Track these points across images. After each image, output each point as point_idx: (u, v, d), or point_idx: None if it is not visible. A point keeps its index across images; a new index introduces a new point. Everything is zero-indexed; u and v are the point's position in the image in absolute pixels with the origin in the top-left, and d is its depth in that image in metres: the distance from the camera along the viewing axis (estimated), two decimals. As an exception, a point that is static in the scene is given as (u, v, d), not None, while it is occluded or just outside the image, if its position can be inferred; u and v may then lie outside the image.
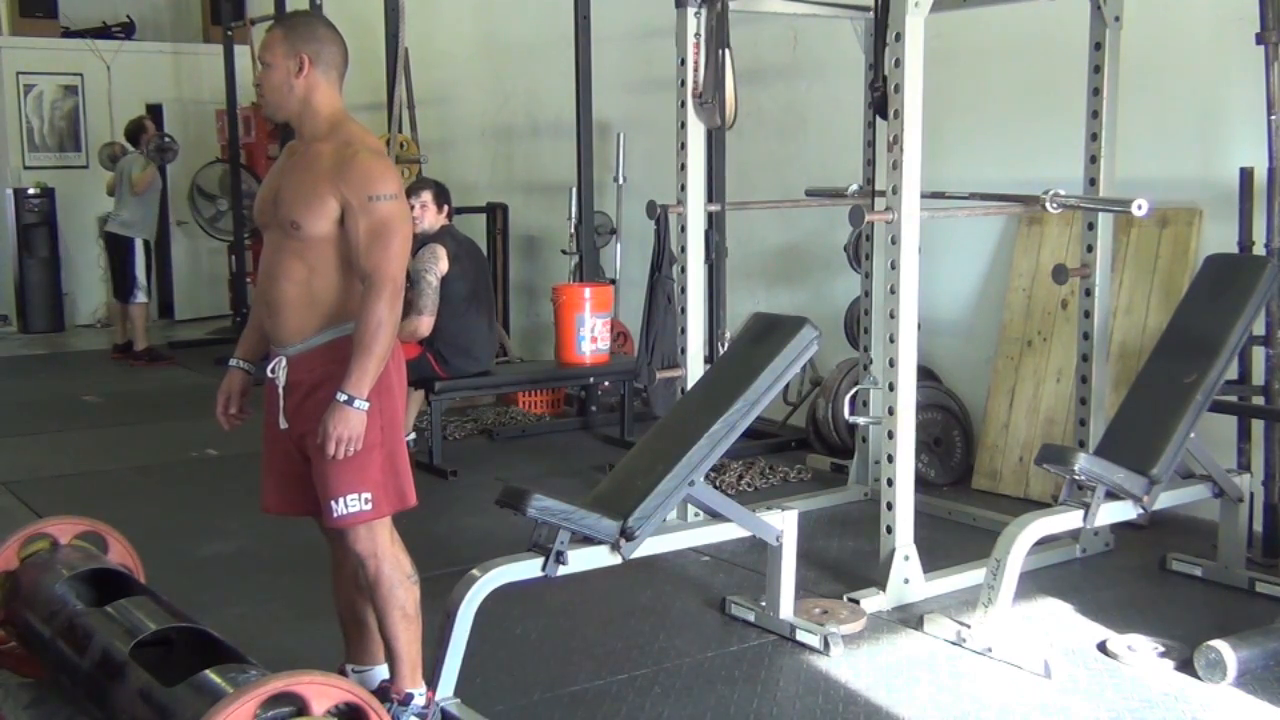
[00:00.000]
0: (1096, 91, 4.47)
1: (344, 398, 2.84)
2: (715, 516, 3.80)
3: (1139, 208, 4.10)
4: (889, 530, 4.10)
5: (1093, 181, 4.50)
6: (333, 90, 3.07)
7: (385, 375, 2.94)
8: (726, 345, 4.52)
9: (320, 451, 2.90)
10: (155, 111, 11.79)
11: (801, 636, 3.76)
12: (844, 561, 4.55)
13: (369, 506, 2.96)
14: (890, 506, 4.10)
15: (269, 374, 3.02)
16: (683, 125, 4.72)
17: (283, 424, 3.01)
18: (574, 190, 7.22)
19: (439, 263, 5.86)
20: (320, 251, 2.93)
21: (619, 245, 7.72)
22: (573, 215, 7.38)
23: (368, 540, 3.00)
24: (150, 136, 9.37)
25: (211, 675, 2.51)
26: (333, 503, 2.94)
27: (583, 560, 3.48)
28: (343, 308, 2.95)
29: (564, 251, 7.72)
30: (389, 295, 2.87)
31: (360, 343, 2.87)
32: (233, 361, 3.21)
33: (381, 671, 3.25)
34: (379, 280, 2.87)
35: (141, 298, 9.34)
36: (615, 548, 3.51)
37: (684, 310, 4.81)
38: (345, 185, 2.88)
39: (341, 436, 2.85)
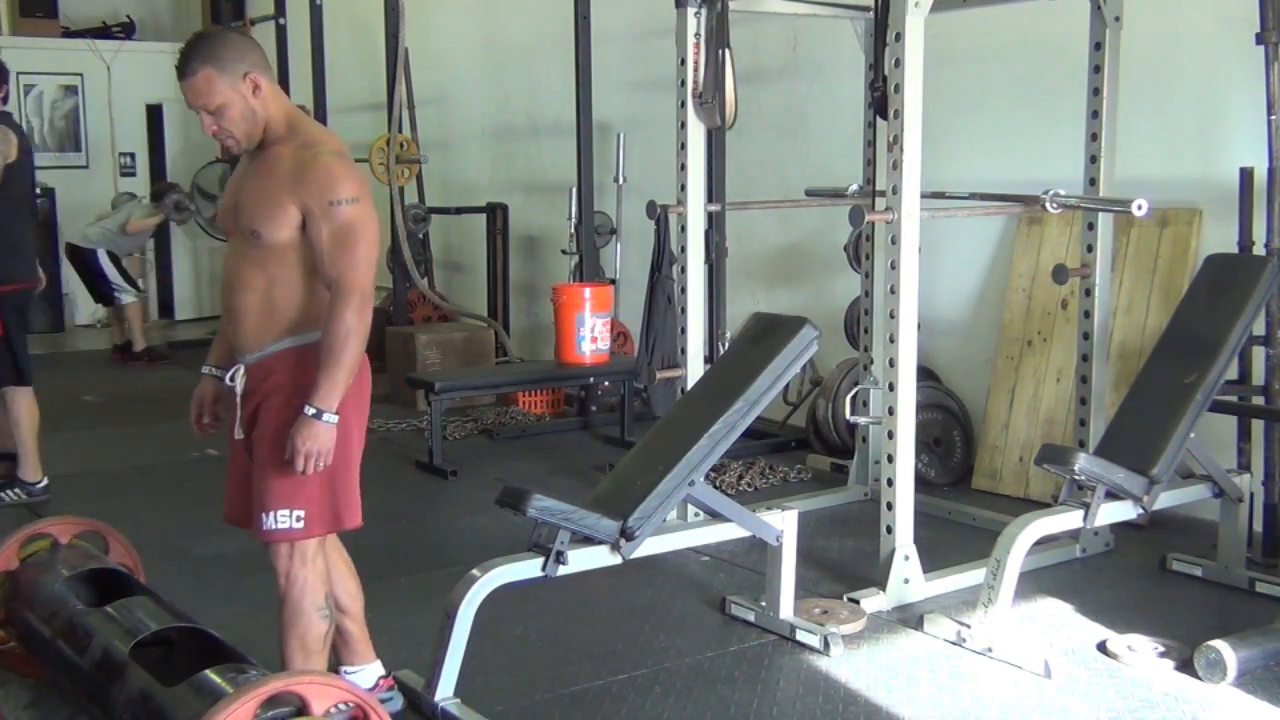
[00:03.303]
0: (1096, 91, 4.47)
1: (312, 411, 2.75)
2: (715, 516, 3.80)
3: (1139, 208, 4.10)
4: (889, 530, 4.10)
5: (1093, 181, 4.50)
6: (277, 90, 2.92)
7: None
8: (726, 345, 4.52)
9: (262, 462, 2.82)
10: (155, 111, 11.82)
11: (801, 636, 3.76)
12: (844, 561, 4.55)
13: (299, 525, 2.87)
14: (890, 506, 4.10)
15: (228, 382, 2.96)
16: (683, 125, 4.72)
17: (238, 433, 2.95)
18: (574, 190, 7.22)
19: (8, 145, 5.19)
20: (282, 260, 2.84)
21: (619, 245, 7.72)
22: (573, 215, 7.38)
23: (287, 558, 2.91)
24: (176, 195, 9.65)
25: (211, 675, 2.51)
26: (263, 515, 2.85)
27: (583, 560, 3.48)
28: (303, 317, 2.86)
29: (564, 251, 7.72)
30: (357, 303, 2.78)
31: (328, 353, 2.77)
32: (205, 368, 3.15)
33: (376, 668, 3.24)
34: (345, 287, 2.78)
35: (127, 298, 9.37)
36: (615, 548, 3.51)
37: (684, 310, 4.81)
38: (304, 191, 2.79)
39: (310, 452, 2.76)
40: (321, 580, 2.97)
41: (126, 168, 11.82)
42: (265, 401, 2.89)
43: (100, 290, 9.44)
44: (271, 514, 2.86)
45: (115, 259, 9.31)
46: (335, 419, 2.78)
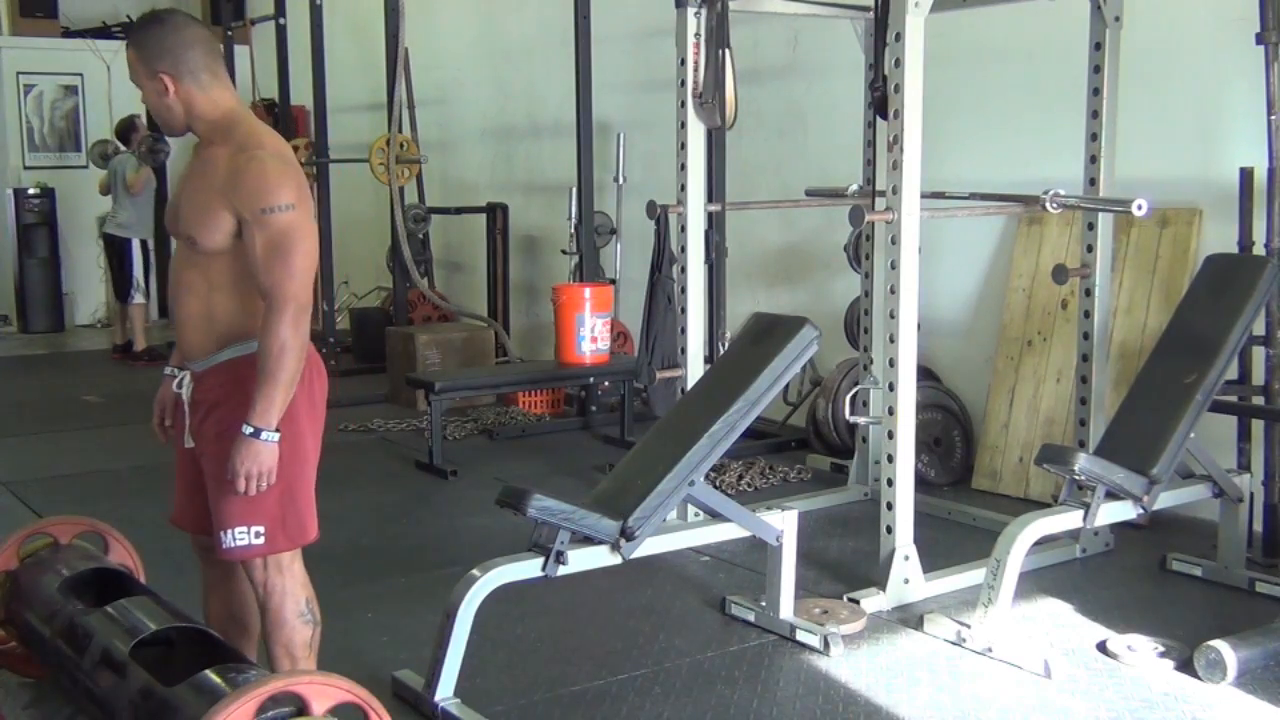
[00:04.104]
0: (1096, 91, 4.47)
1: (250, 430, 2.67)
2: (715, 516, 3.80)
3: (1139, 208, 4.10)
4: (889, 530, 4.10)
5: (1093, 181, 4.50)
6: (212, 91, 2.80)
7: (290, 401, 2.76)
8: (726, 345, 4.51)
9: (215, 478, 2.76)
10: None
11: (801, 636, 3.76)
12: (844, 561, 4.55)
13: (260, 541, 2.80)
14: (890, 506, 4.09)
15: (175, 389, 2.90)
16: (683, 125, 4.72)
17: (188, 442, 2.88)
18: (574, 190, 7.22)
19: None
20: (221, 267, 2.76)
21: (619, 245, 7.72)
22: (573, 215, 7.38)
23: (261, 569, 2.86)
24: (142, 137, 9.37)
25: (211, 675, 2.50)
26: (222, 534, 2.80)
27: (583, 560, 3.48)
28: (244, 325, 2.78)
29: (564, 251, 7.72)
30: (292, 315, 2.68)
31: (263, 369, 2.68)
32: (167, 370, 3.02)
33: None
34: (280, 299, 2.68)
35: (138, 298, 9.42)
36: (615, 548, 3.51)
37: (684, 310, 4.81)
38: (237, 197, 2.68)
39: (251, 472, 2.68)
40: (301, 585, 2.92)
41: (126, 167, 11.83)
42: (211, 414, 2.82)
43: (122, 285, 9.49)
44: (230, 532, 2.79)
45: (145, 251, 9.36)
46: (275, 436, 2.70)
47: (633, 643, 3.80)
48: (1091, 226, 4.55)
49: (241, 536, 2.79)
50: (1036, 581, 4.20)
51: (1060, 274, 4.53)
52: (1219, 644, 3.43)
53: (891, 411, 4.06)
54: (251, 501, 2.76)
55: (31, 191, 11.15)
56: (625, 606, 4.09)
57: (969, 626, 3.72)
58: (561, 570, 3.41)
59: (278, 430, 2.70)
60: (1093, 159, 4.50)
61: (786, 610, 3.84)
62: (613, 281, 7.34)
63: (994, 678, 3.52)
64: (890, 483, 4.09)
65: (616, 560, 3.53)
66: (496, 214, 8.53)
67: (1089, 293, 4.57)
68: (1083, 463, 3.82)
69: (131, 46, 2.80)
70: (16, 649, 3.34)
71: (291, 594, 2.89)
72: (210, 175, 2.75)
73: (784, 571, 3.82)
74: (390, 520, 5.28)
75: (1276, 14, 4.33)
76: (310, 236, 2.75)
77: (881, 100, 4.25)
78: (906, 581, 4.09)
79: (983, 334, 5.82)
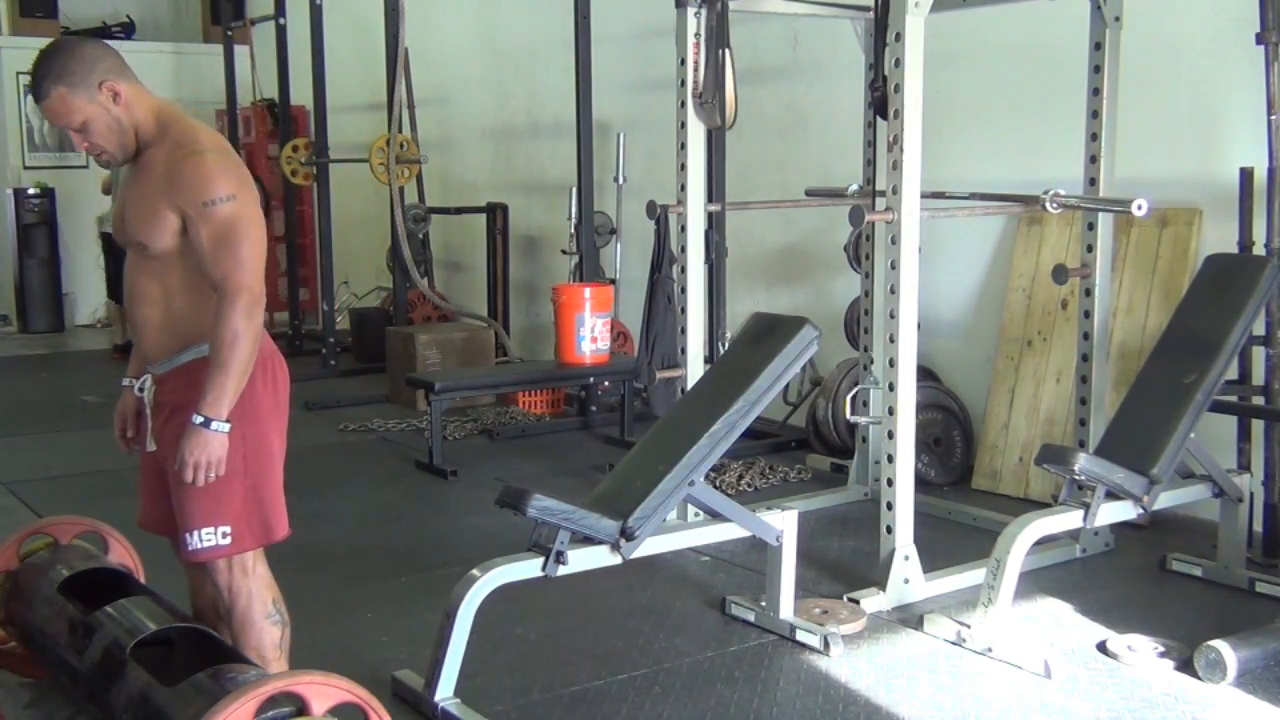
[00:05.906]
0: (1096, 91, 4.47)
1: (200, 420, 2.67)
2: (715, 516, 3.80)
3: (1139, 208, 4.10)
4: (889, 530, 4.10)
5: (1093, 181, 4.50)
6: (141, 90, 2.81)
7: (251, 397, 2.77)
8: (726, 345, 4.51)
9: (178, 479, 2.74)
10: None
11: (801, 636, 3.76)
12: (844, 561, 4.55)
13: (227, 541, 2.79)
14: (890, 506, 4.10)
15: (136, 393, 2.90)
16: (683, 125, 4.72)
17: (150, 445, 2.88)
18: (574, 190, 7.22)
19: None
20: (173, 269, 2.76)
21: (619, 245, 7.72)
22: (573, 215, 7.38)
23: (226, 572, 2.86)
24: None
25: (211, 675, 2.51)
26: (187, 535, 2.78)
27: (583, 560, 3.48)
28: (202, 326, 2.76)
29: (564, 251, 7.72)
30: (244, 305, 2.67)
31: (215, 359, 2.68)
32: (125, 381, 3.00)
33: None
34: (230, 289, 2.67)
35: None
36: (615, 548, 3.51)
37: (684, 310, 4.81)
38: (178, 194, 2.68)
39: (199, 462, 2.68)
40: (267, 586, 2.92)
41: (126, 167, 11.81)
42: (174, 416, 2.80)
43: (119, 284, 9.46)
44: (195, 533, 2.78)
45: None
46: (225, 427, 2.70)
47: (633, 643, 3.80)
48: (1091, 226, 4.55)
49: (208, 537, 2.79)
50: (1036, 581, 4.20)
51: (1060, 274, 4.53)
52: (1219, 644, 3.43)
53: (891, 411, 4.06)
54: (217, 501, 2.76)
55: (31, 191, 11.15)
56: (625, 606, 4.09)
57: (969, 626, 3.72)
58: (561, 570, 3.42)
59: (228, 421, 2.70)
60: (1093, 159, 4.50)
61: (786, 610, 3.84)
62: (613, 281, 7.34)
63: (994, 678, 3.52)
64: (890, 483, 4.09)
65: (616, 560, 3.53)
66: (496, 214, 8.53)
67: (1089, 293, 4.57)
68: (1083, 463, 3.82)
69: (58, 82, 2.69)
70: (16, 649, 3.34)
71: (258, 596, 2.90)
72: (150, 177, 2.75)
73: (784, 571, 3.82)
74: (390, 520, 5.28)
75: (1276, 14, 4.33)
76: (256, 225, 2.75)
77: (881, 100, 4.25)
78: (906, 581, 4.09)
79: (983, 334, 5.82)
